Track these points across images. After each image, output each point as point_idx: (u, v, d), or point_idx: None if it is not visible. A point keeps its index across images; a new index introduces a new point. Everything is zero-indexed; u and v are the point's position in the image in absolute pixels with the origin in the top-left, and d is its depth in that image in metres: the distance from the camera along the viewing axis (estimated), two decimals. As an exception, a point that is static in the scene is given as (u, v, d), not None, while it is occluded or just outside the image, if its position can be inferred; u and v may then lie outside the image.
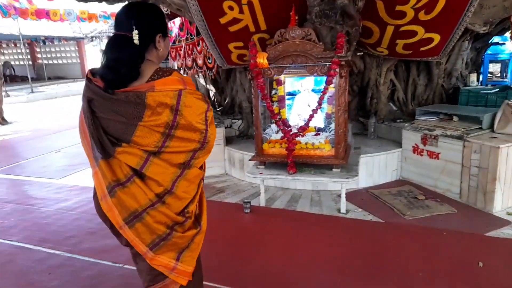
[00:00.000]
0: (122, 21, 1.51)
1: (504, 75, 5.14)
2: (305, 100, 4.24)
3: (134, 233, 1.47)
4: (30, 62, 23.36)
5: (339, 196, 4.08)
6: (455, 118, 4.17)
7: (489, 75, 5.28)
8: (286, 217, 3.69)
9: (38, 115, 11.26)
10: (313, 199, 4.09)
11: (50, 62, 24.44)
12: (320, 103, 3.59)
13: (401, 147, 4.45)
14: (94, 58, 21.70)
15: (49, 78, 22.54)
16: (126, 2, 1.67)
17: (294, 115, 4.32)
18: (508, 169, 3.52)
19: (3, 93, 15.17)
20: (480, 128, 3.89)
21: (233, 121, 5.45)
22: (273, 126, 4.21)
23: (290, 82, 4.29)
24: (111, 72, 1.43)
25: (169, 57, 6.25)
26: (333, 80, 3.51)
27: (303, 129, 3.69)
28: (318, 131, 4.14)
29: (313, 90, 4.23)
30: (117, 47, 1.47)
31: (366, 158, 4.28)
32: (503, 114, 3.80)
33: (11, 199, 4.46)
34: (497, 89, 4.56)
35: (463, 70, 5.01)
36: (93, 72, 1.52)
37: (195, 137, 1.49)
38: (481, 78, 5.11)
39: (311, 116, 3.65)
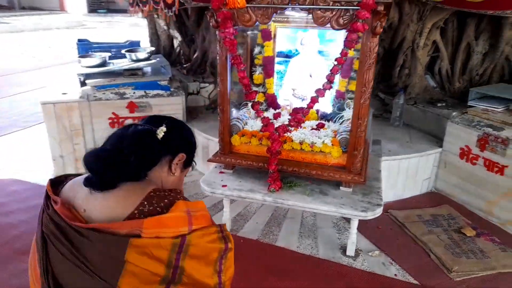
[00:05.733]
0: (152, 118, 1.20)
1: None
2: (306, 66, 2.69)
3: None
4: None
5: (344, 219, 2.71)
6: (537, 112, 2.68)
7: None
8: (259, 260, 2.30)
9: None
10: (305, 223, 2.69)
11: (24, -11, 21.69)
12: (331, 79, 2.05)
13: (440, 147, 3.00)
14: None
15: (23, 8, 20.08)
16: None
17: (286, 89, 2.78)
18: None
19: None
20: None
21: (202, 85, 3.88)
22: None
23: (284, 36, 2.71)
24: (99, 161, 1.03)
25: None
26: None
27: (298, 121, 2.18)
28: (322, 118, 2.65)
29: (319, 52, 2.66)
30: (127, 136, 1.08)
31: (389, 161, 2.84)
32: None
33: None
34: None
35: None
36: (55, 182, 1.14)
37: None
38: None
39: (314, 100, 2.13)
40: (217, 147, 2.80)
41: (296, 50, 2.70)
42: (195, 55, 4.08)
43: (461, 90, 3.35)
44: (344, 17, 1.94)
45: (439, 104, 3.22)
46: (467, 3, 2.70)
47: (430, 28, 3.15)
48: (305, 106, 2.67)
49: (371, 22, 1.90)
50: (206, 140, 3.21)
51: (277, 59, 2.74)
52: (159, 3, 3.53)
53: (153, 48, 3.80)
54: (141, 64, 3.51)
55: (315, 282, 2.14)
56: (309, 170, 2.27)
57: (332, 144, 2.26)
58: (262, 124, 2.32)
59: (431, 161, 3.01)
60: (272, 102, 2.77)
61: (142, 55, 3.63)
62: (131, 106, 3.25)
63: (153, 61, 3.63)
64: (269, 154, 2.24)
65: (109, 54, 3.61)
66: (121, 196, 1.04)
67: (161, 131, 1.12)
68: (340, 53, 1.99)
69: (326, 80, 2.05)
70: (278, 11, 2.09)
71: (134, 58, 3.60)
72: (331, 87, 2.08)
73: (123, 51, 3.66)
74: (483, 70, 3.29)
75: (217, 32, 2.21)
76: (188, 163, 1.23)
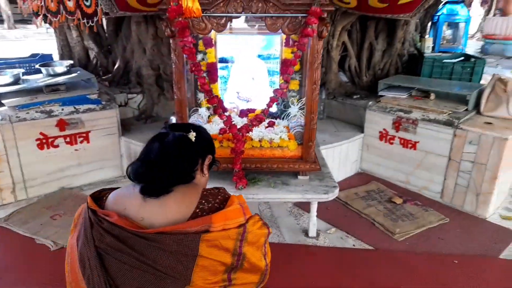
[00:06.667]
0: (173, 126, 1.26)
1: (457, 40, 4.54)
2: (247, 70, 2.87)
3: None
4: None
5: (297, 206, 2.96)
6: (432, 96, 3.31)
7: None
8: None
9: None
10: (263, 215, 2.87)
11: None
12: (287, 79, 2.27)
13: (361, 132, 3.47)
14: None
15: None
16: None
17: (231, 93, 2.93)
18: (506, 164, 2.80)
19: None
20: (466, 109, 3.09)
21: (130, 95, 3.77)
22: (203, 110, 2.77)
23: (224, 43, 2.84)
24: (153, 169, 1.10)
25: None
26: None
27: (260, 120, 2.35)
28: (269, 117, 2.85)
29: (259, 56, 2.87)
30: (168, 144, 1.14)
31: (326, 149, 3.19)
32: (492, 92, 3.05)
33: None
34: (462, 58, 3.85)
35: (414, 33, 4.18)
36: (97, 197, 1.18)
37: (255, 279, 1.17)
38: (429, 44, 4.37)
39: (273, 100, 2.32)
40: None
41: (237, 56, 2.86)
42: (117, 66, 3.93)
43: (369, 83, 3.91)
44: (293, 23, 2.17)
45: (354, 97, 3.71)
46: (372, 8, 3.19)
47: (340, 31, 3.62)
48: (251, 107, 2.86)
49: (318, 27, 2.17)
50: (150, 151, 3.15)
51: (219, 65, 2.86)
52: (75, 13, 3.34)
53: (71, 61, 3.55)
54: (62, 78, 3.26)
55: (291, 265, 2.33)
56: (270, 165, 2.46)
57: (288, 138, 2.48)
58: (222, 127, 2.43)
59: (357, 146, 3.46)
60: (219, 106, 2.88)
61: (60, 69, 3.38)
62: (61, 124, 3.01)
63: (74, 74, 3.40)
64: (233, 154, 2.36)
65: (22, 70, 3.27)
66: (179, 199, 1.10)
67: (192, 136, 1.20)
68: (294, 56, 2.23)
69: (283, 82, 2.26)
70: (232, 19, 2.23)
71: (52, 72, 3.34)
72: (288, 87, 2.30)
73: (37, 66, 3.36)
74: (383, 65, 3.90)
75: (171, 41, 2.24)
76: (211, 164, 1.32)
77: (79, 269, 1.09)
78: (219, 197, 1.15)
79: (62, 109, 3.03)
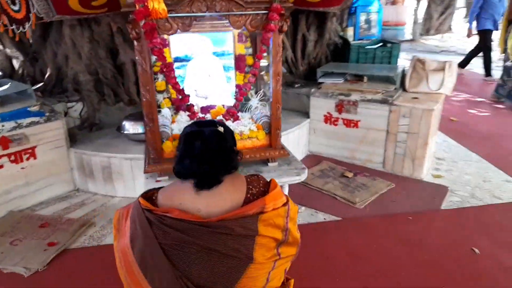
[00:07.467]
0: (197, 123, 1.31)
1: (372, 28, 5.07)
2: (203, 68, 2.92)
3: None
4: None
5: (264, 193, 3.12)
6: (365, 79, 3.71)
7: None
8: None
9: None
10: (236, 206, 2.99)
11: None
12: (255, 73, 2.40)
13: (307, 118, 3.76)
14: None
15: None
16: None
17: (188, 91, 2.94)
18: (433, 131, 3.30)
19: None
20: (395, 88, 3.55)
21: (69, 104, 3.53)
22: (166, 111, 2.76)
23: (177, 42, 2.85)
24: (203, 164, 1.17)
25: None
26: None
27: (232, 114, 2.45)
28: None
29: (214, 53, 2.94)
30: (207, 139, 1.21)
31: (282, 136, 3.39)
32: (413, 71, 3.54)
33: None
34: (380, 44, 4.35)
35: (336, 24, 4.59)
36: (146, 197, 1.22)
37: (293, 252, 1.30)
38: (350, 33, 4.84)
39: (242, 94, 2.44)
40: (121, 164, 2.89)
41: (191, 55, 2.89)
42: (48, 74, 3.64)
43: (304, 72, 4.21)
44: (256, 20, 2.31)
45: (296, 86, 3.98)
46: (306, 3, 3.46)
47: (277, 25, 3.83)
48: (211, 104, 2.94)
49: (278, 22, 2.33)
50: (107, 159, 3.03)
51: (175, 64, 2.86)
52: (-1, 19, 3.04)
53: (-2, 73, 3.22)
54: (-7, 92, 2.96)
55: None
56: (243, 155, 2.57)
57: (257, 129, 2.62)
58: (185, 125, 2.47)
59: (305, 130, 3.74)
60: (179, 105, 2.89)
61: (-13, 82, 3.06)
62: (4, 142, 2.75)
63: (6, 86, 3.10)
64: (209, 150, 2.43)
65: None
66: (230, 187, 1.20)
67: (221, 130, 1.29)
68: (259, 51, 2.36)
69: (251, 76, 2.39)
70: (198, 19, 2.28)
71: (-22, 86, 3.01)
72: (255, 81, 2.43)
73: (-42, 81, 2.99)
74: (316, 54, 4.23)
75: (136, 44, 2.21)
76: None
77: (139, 270, 1.12)
78: (261, 181, 1.26)
79: (3, 126, 2.77)
